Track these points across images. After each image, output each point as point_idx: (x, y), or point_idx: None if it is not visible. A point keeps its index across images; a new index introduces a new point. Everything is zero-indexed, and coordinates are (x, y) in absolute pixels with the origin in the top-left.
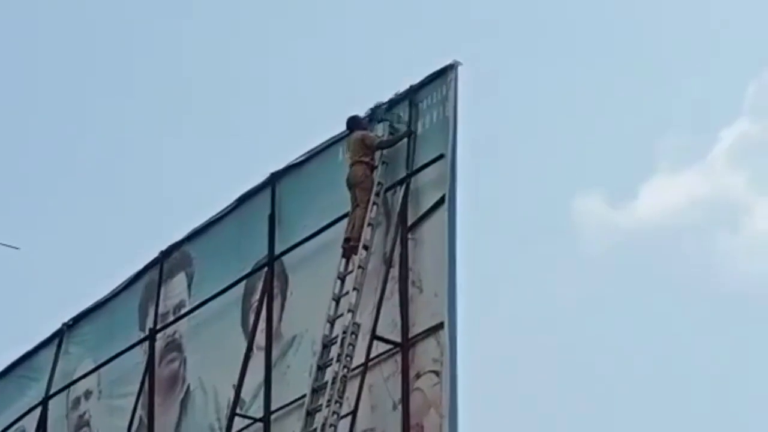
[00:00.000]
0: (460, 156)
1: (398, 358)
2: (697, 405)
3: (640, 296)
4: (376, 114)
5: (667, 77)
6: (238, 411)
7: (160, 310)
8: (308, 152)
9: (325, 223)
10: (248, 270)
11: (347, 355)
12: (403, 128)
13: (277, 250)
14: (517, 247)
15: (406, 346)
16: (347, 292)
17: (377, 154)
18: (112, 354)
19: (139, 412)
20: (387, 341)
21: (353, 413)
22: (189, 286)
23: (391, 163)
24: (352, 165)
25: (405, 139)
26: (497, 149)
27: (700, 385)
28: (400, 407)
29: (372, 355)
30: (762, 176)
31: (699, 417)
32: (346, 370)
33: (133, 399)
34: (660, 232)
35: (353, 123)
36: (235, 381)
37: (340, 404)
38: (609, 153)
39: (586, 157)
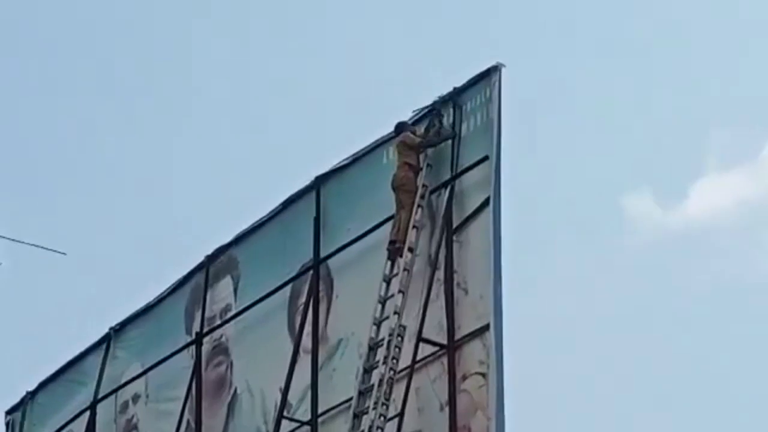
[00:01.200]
0: (504, 158)
1: (444, 360)
2: (748, 405)
3: (688, 297)
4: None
5: (715, 74)
6: (285, 414)
7: (207, 313)
8: (352, 155)
9: (370, 226)
10: (294, 273)
11: (393, 358)
12: (446, 127)
13: (323, 254)
14: (564, 248)
15: (452, 348)
16: (393, 295)
17: (422, 156)
18: (159, 358)
19: (186, 415)
20: (433, 343)
21: (400, 415)
22: (235, 289)
23: (436, 166)
24: (397, 167)
25: (449, 141)
26: (543, 151)
27: (745, 383)
28: (446, 409)
29: (418, 358)
30: None
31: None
32: (392, 372)
33: (180, 403)
34: (709, 232)
35: (401, 127)
36: (282, 384)
37: (387, 406)
38: (657, 151)
39: (634, 156)
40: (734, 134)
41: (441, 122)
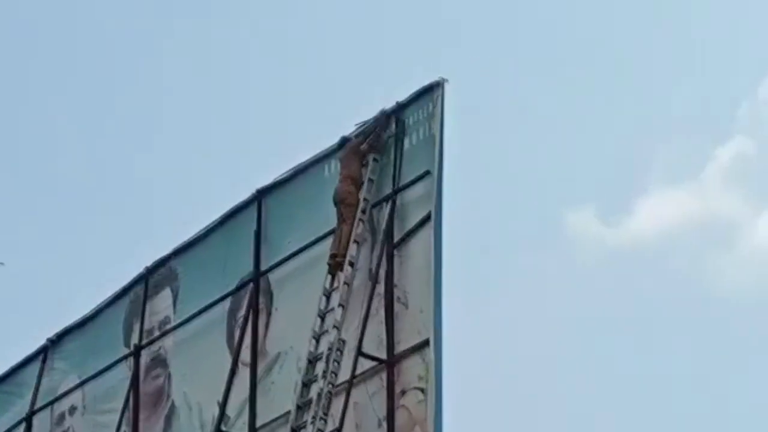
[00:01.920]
0: (446, 173)
1: (383, 375)
2: (685, 417)
3: (631, 312)
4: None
5: (661, 92)
6: (222, 427)
7: (145, 326)
8: (294, 168)
9: (310, 239)
10: (234, 286)
11: (332, 372)
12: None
13: (263, 267)
14: (507, 263)
15: (391, 363)
16: (333, 309)
17: (364, 170)
18: (97, 370)
19: (123, 428)
20: (372, 358)
21: (338, 430)
22: (174, 302)
23: (378, 180)
24: (339, 181)
25: (392, 156)
26: (486, 165)
27: (690, 397)
28: (385, 424)
29: (357, 372)
30: (757, 194)
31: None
32: (331, 386)
33: (117, 415)
34: (652, 248)
35: (345, 141)
36: (220, 397)
37: (325, 421)
38: (601, 168)
39: (577, 171)
40: (678, 150)
41: (383, 129)
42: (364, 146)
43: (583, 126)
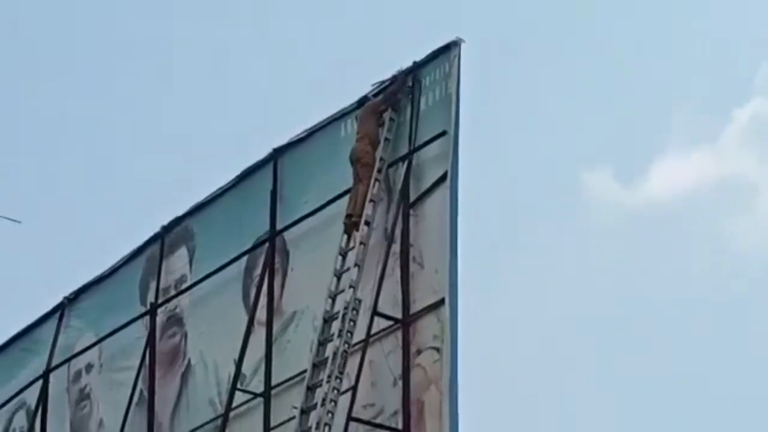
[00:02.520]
0: (462, 133)
1: (399, 334)
2: (704, 392)
3: (647, 275)
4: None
5: (679, 53)
6: (238, 386)
7: (162, 284)
8: (310, 128)
9: (326, 199)
10: (250, 245)
11: (348, 331)
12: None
13: (279, 226)
14: (522, 224)
15: (406, 322)
16: (348, 268)
17: (380, 130)
18: (113, 328)
19: (139, 385)
20: (388, 317)
21: (354, 389)
22: (190, 260)
23: (394, 140)
24: (356, 140)
25: (409, 115)
26: (502, 126)
27: (706, 358)
28: (400, 383)
29: (373, 332)
30: None
31: (713, 405)
32: (346, 345)
33: (134, 373)
34: (670, 210)
35: (363, 100)
36: (236, 356)
37: (341, 380)
38: (619, 130)
39: (595, 133)
40: (696, 114)
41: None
42: (381, 105)
43: (601, 87)
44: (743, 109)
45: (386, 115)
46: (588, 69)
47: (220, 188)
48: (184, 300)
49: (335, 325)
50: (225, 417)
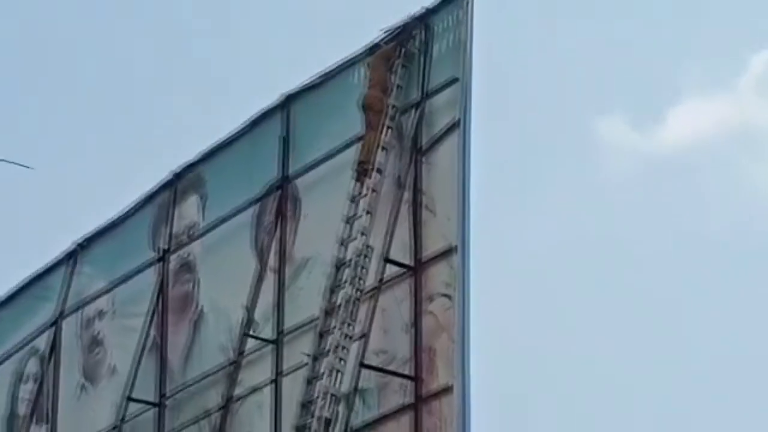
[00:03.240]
0: (475, 80)
1: (410, 281)
2: (722, 338)
3: (662, 225)
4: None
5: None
6: (250, 332)
7: (173, 231)
8: (322, 75)
9: (338, 145)
10: (261, 192)
11: (359, 278)
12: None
13: (290, 173)
14: (535, 171)
15: (418, 269)
16: (360, 215)
17: (392, 76)
18: (125, 274)
19: (151, 331)
20: (399, 264)
21: (365, 335)
22: (201, 207)
23: (405, 87)
24: (368, 87)
25: (420, 63)
26: (515, 73)
27: (717, 320)
28: (412, 330)
29: (384, 278)
30: None
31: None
32: (358, 292)
33: (145, 319)
34: (686, 157)
35: (374, 47)
36: (248, 302)
37: (352, 326)
38: (634, 75)
39: (608, 78)
40: (712, 58)
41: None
42: (391, 54)
43: (616, 33)
44: (760, 55)
45: (397, 62)
46: (601, 14)
47: (231, 135)
48: (195, 247)
49: (346, 272)
50: (236, 363)
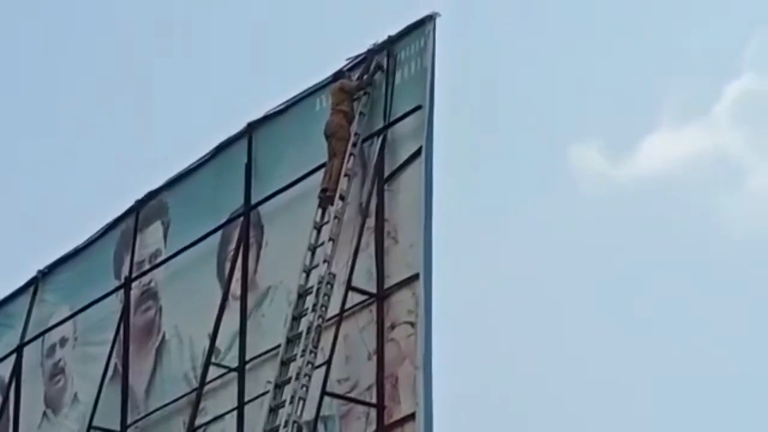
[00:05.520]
0: (440, 108)
1: (373, 308)
2: (690, 357)
3: (635, 251)
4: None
5: (669, 29)
6: (213, 360)
7: (136, 258)
8: (285, 102)
9: (301, 173)
10: (224, 219)
11: (322, 305)
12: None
13: (254, 200)
14: (504, 198)
15: (381, 296)
16: (323, 243)
17: (355, 104)
18: (88, 301)
19: (114, 359)
20: (362, 292)
21: (328, 363)
22: (165, 234)
23: (369, 114)
24: (331, 114)
25: (383, 90)
26: (484, 99)
27: (694, 337)
28: (374, 358)
29: (347, 306)
30: (764, 133)
31: (688, 377)
32: (321, 320)
33: (108, 347)
34: (660, 186)
35: (339, 76)
36: (211, 330)
37: (315, 354)
38: (607, 103)
39: (582, 106)
40: (687, 88)
41: (378, 67)
42: (354, 90)
43: (589, 60)
44: (733, 84)
45: (361, 91)
46: (573, 42)
47: (195, 162)
48: (158, 274)
49: (309, 300)
50: (199, 391)
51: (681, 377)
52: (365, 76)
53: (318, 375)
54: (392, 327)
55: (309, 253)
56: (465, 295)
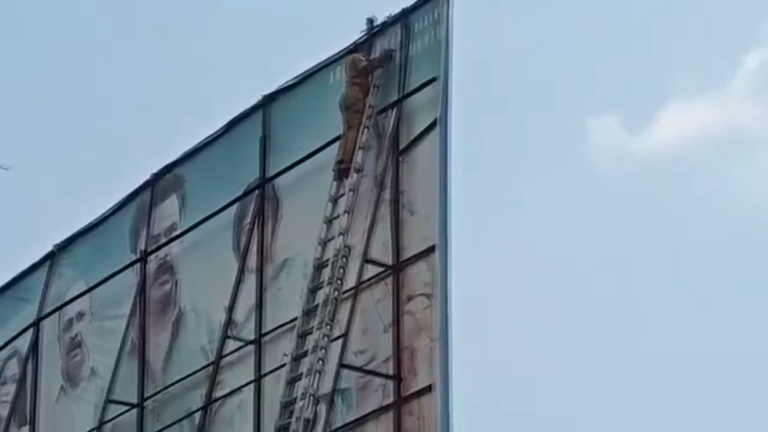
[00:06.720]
0: (456, 79)
1: (389, 281)
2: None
3: (651, 226)
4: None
5: (686, 3)
6: (230, 333)
7: (152, 232)
8: (300, 75)
9: (317, 145)
10: (240, 193)
11: (338, 278)
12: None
13: (269, 173)
14: (521, 171)
15: (397, 269)
16: (339, 215)
17: (370, 77)
18: (104, 276)
19: (131, 333)
20: (378, 264)
21: (344, 335)
22: (181, 208)
23: (384, 86)
24: (346, 87)
25: (398, 62)
26: (500, 72)
27: (708, 312)
28: (391, 330)
29: (363, 278)
30: None
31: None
32: (337, 292)
33: (125, 321)
34: (678, 158)
35: (353, 48)
36: (227, 303)
37: (332, 327)
38: (625, 75)
39: (601, 79)
40: (704, 61)
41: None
42: (365, 65)
43: (605, 32)
44: (751, 55)
45: (375, 64)
46: (591, 14)
47: (211, 135)
48: (175, 248)
49: (326, 272)
50: (217, 364)
51: (702, 369)
52: (374, 59)
53: (335, 347)
54: (409, 299)
55: (325, 226)
56: (483, 268)
